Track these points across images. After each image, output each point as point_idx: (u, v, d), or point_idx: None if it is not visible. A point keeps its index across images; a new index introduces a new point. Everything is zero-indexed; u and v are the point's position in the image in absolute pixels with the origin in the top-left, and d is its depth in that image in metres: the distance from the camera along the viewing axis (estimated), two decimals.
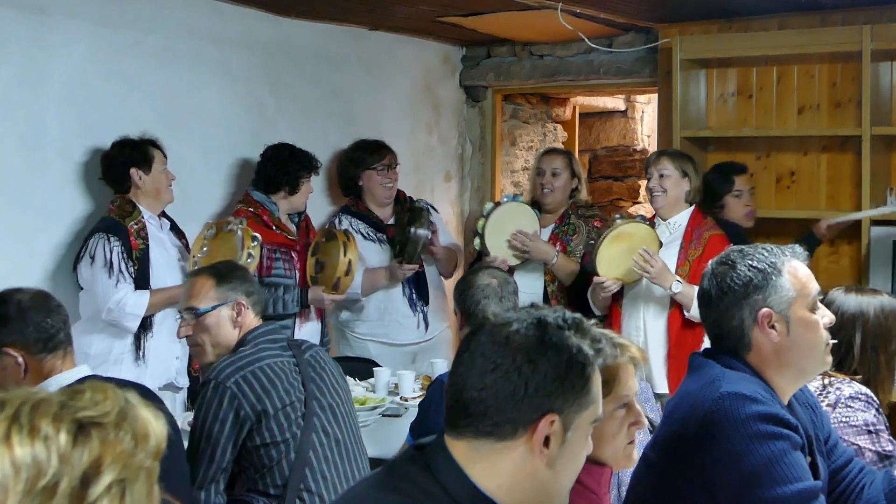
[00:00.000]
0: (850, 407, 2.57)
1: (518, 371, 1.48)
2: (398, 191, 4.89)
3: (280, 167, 4.37)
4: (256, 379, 2.77)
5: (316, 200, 4.82)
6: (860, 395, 2.59)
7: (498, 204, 4.62)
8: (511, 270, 4.58)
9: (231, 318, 2.91)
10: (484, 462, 1.51)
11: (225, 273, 2.97)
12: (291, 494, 2.76)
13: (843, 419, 2.57)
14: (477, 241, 4.57)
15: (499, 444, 1.50)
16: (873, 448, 2.53)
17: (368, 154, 4.79)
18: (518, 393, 1.48)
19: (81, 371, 2.50)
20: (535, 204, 4.74)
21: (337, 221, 4.75)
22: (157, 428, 1.13)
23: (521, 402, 1.48)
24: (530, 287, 4.59)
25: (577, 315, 1.58)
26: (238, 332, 2.91)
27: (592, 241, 4.26)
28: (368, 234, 4.73)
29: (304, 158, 4.43)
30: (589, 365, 1.52)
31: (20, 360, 2.40)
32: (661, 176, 4.20)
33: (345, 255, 4.30)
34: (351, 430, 2.97)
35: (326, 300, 4.32)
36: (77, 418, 1.06)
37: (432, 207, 4.98)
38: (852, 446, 2.51)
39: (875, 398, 2.62)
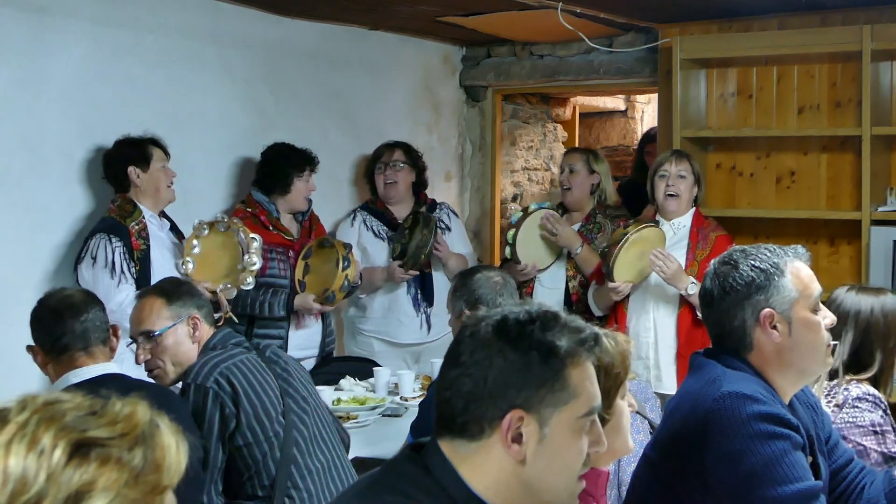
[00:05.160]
0: (857, 407, 2.57)
1: (477, 367, 1.48)
2: (422, 193, 4.92)
3: (272, 167, 4.37)
4: (234, 375, 2.78)
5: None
6: (867, 396, 2.59)
7: (525, 211, 4.59)
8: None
9: (188, 335, 2.88)
10: (467, 462, 1.50)
11: (172, 290, 2.94)
12: (280, 494, 2.77)
13: (850, 419, 2.57)
14: (508, 249, 4.56)
15: (473, 444, 1.50)
16: (879, 449, 2.53)
17: (377, 153, 4.90)
18: (478, 390, 1.48)
19: (106, 368, 2.69)
20: (561, 205, 4.74)
21: (351, 218, 4.81)
22: (174, 460, 1.07)
23: (482, 400, 1.48)
24: (553, 283, 4.62)
25: (552, 310, 1.55)
26: (197, 346, 2.89)
27: (605, 248, 4.21)
28: (379, 232, 4.79)
29: (295, 157, 4.40)
30: (556, 358, 1.49)
31: (40, 358, 2.74)
32: (680, 177, 4.19)
33: (342, 270, 4.22)
34: (324, 419, 2.99)
35: (315, 309, 4.29)
36: (82, 438, 1.02)
37: (452, 212, 5.02)
38: (858, 447, 2.51)
39: (882, 399, 2.62)
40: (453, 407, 1.49)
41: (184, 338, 2.88)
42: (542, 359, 1.49)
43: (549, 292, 4.57)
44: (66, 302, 2.74)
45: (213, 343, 2.89)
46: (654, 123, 5.79)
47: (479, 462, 1.50)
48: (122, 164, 3.87)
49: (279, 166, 4.37)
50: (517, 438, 1.48)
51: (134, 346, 2.93)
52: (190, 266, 3.88)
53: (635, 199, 5.09)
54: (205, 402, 2.73)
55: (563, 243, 4.53)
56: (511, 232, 4.54)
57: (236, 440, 2.77)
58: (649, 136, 6.17)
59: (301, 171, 4.40)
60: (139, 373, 3.75)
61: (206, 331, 2.92)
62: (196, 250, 3.93)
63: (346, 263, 4.23)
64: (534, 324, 1.51)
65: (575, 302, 4.52)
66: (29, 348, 2.78)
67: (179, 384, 2.91)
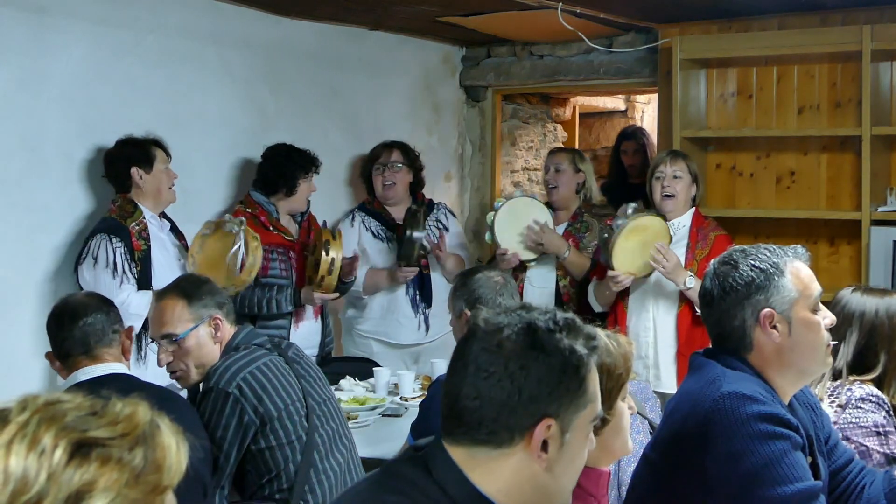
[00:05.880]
0: (860, 408, 2.57)
1: (511, 378, 1.48)
2: (419, 193, 4.92)
3: (277, 168, 4.37)
4: (256, 381, 2.75)
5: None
6: (871, 397, 2.60)
7: (509, 199, 4.60)
8: (524, 267, 4.59)
9: (210, 336, 2.83)
10: (482, 467, 1.50)
11: (193, 290, 2.86)
12: (296, 497, 2.75)
13: (853, 420, 2.57)
14: (488, 234, 4.56)
15: (496, 451, 1.49)
16: (881, 450, 2.53)
17: (374, 153, 4.87)
18: (512, 400, 1.47)
19: (111, 368, 2.69)
20: (548, 204, 4.74)
21: (350, 219, 4.80)
22: (174, 460, 1.07)
23: (515, 410, 1.48)
24: (543, 283, 4.60)
25: (569, 315, 1.56)
26: (219, 346, 2.84)
27: (606, 235, 4.21)
28: (379, 233, 4.79)
29: (301, 159, 4.41)
30: (583, 365, 1.51)
31: (57, 364, 2.77)
32: (676, 177, 4.19)
33: (327, 253, 4.17)
34: (341, 421, 2.97)
35: (317, 299, 4.28)
36: (83, 438, 1.02)
37: (449, 212, 5.00)
38: (861, 447, 2.51)
39: (885, 400, 2.62)
40: (482, 416, 1.48)
41: (206, 339, 2.83)
42: (573, 367, 1.50)
43: (539, 291, 4.55)
44: (66, 308, 2.76)
45: (235, 343, 2.85)
46: (654, 123, 5.79)
47: (494, 467, 1.50)
48: (124, 164, 3.87)
49: (285, 168, 4.37)
50: (544, 446, 1.49)
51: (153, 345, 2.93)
52: (193, 269, 3.87)
53: (619, 200, 5.10)
54: (223, 407, 2.70)
55: (550, 250, 4.52)
56: (490, 215, 4.55)
57: (259, 443, 2.75)
58: (624, 135, 6.19)
59: (307, 172, 4.42)
60: (139, 372, 3.76)
61: (227, 330, 2.87)
62: (198, 253, 3.92)
63: (327, 246, 4.17)
64: (562, 332, 1.52)
65: (566, 302, 4.52)
66: (46, 355, 2.82)
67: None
